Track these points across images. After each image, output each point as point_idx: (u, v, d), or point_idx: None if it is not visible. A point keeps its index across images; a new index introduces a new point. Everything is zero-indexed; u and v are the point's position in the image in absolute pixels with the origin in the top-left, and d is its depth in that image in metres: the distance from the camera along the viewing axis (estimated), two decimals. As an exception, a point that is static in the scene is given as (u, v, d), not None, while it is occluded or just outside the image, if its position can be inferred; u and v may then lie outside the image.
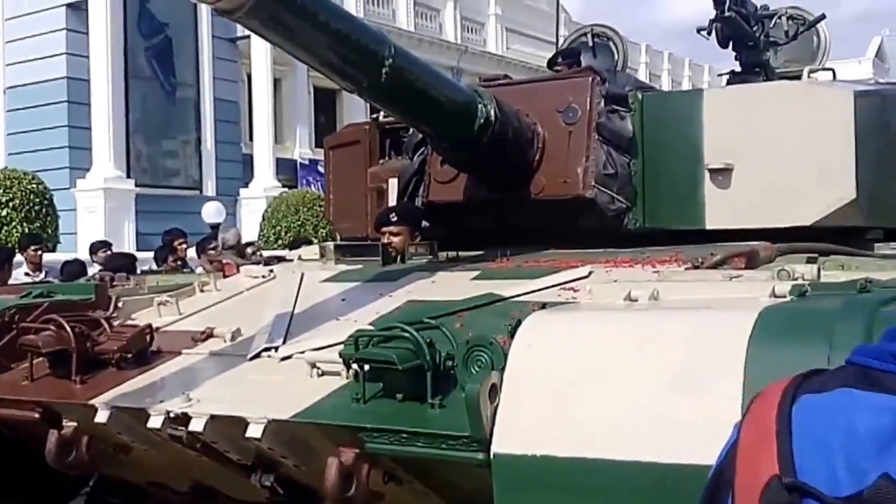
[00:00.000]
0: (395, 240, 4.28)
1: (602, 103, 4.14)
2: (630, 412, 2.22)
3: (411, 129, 4.62)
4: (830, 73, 4.71)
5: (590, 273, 3.43)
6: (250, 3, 2.83)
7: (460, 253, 4.24)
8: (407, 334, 2.66)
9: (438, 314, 3.18)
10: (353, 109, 28.65)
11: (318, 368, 3.02)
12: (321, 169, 26.70)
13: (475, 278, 3.68)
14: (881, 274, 3.10)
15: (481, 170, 4.18)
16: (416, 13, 31.01)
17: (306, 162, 26.33)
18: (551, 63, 5.34)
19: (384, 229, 4.33)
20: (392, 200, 4.69)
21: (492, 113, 3.80)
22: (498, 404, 2.40)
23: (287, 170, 25.75)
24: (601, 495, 2.22)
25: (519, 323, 2.53)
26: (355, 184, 5.03)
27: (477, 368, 2.63)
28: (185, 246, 9.16)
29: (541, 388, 2.36)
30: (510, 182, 4.21)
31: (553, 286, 3.36)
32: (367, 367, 2.73)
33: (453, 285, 3.62)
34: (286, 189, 22.01)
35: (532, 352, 2.42)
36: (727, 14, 4.62)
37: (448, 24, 33.15)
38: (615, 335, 2.37)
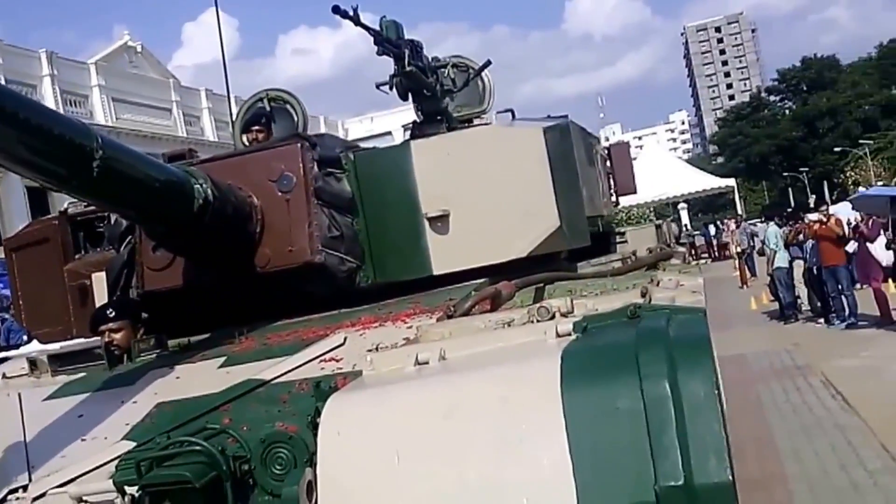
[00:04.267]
0: (118, 336, 3.95)
1: (315, 168, 4.12)
2: (457, 484, 2.19)
3: (114, 219, 4.31)
4: (510, 114, 5.05)
5: (345, 339, 3.39)
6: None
7: (191, 339, 4.01)
8: (198, 447, 2.47)
9: (199, 412, 2.99)
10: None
11: (86, 502, 2.71)
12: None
13: (223, 365, 3.49)
14: (604, 296, 3.38)
15: (202, 250, 3.98)
16: (8, 92, 29.06)
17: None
18: (245, 131, 5.22)
19: (103, 328, 3.98)
20: (99, 297, 4.33)
21: (209, 192, 3.66)
22: (316, 500, 2.30)
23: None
24: None
25: (318, 411, 2.43)
26: (50, 284, 4.59)
27: (278, 467, 2.52)
28: None
29: (359, 476, 2.27)
30: (233, 259, 4.05)
31: (312, 360, 3.28)
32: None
33: (201, 377, 3.40)
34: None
35: (342, 440, 2.33)
36: (408, 69, 4.77)
37: (48, 100, 31.54)
38: (424, 407, 2.34)
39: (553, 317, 2.90)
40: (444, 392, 2.35)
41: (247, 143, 5.07)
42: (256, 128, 5.12)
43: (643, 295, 3.11)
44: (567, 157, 4.52)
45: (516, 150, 4.31)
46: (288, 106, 5.67)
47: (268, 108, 5.65)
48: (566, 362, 2.26)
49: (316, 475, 2.31)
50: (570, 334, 2.57)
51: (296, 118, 5.63)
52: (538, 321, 2.90)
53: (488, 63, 5.56)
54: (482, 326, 3.05)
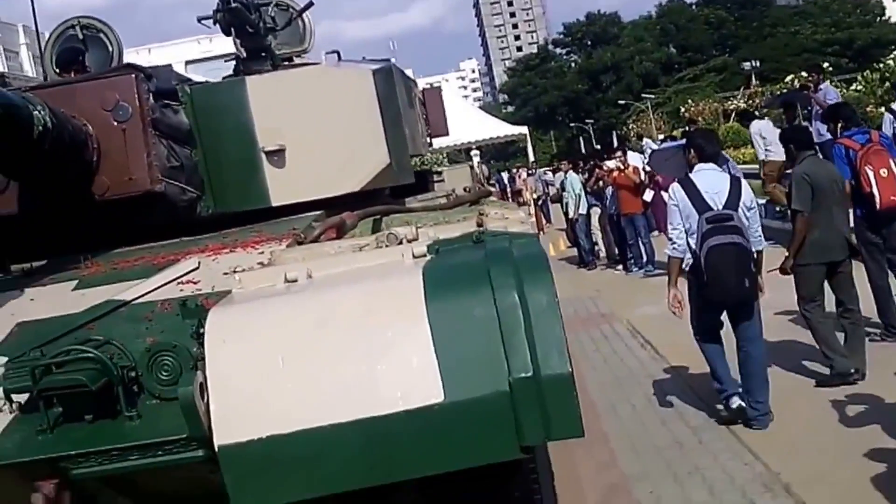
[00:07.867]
0: (-48, 263, 3.92)
1: (151, 99, 4.21)
2: (337, 381, 2.50)
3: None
4: (336, 55, 5.30)
5: (199, 264, 3.57)
6: None
7: (33, 265, 4.04)
8: (90, 354, 2.64)
9: (64, 331, 3.08)
10: None
11: (-36, 412, 2.80)
12: None
13: (77, 288, 3.57)
14: (440, 226, 3.76)
15: (39, 178, 4.00)
16: None
17: None
18: (62, 69, 5.14)
19: None
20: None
21: (48, 119, 3.68)
22: (208, 401, 2.54)
23: None
24: (328, 459, 2.46)
25: (201, 323, 2.66)
26: None
27: (164, 373, 2.72)
28: None
29: (246, 377, 2.53)
30: (71, 186, 4.09)
31: (170, 282, 3.43)
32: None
33: (57, 299, 3.46)
34: None
35: (228, 346, 2.57)
36: (233, 5, 4.89)
37: None
38: (299, 317, 2.62)
39: (401, 243, 3.25)
40: (316, 306, 2.64)
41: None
42: (75, 67, 5.07)
43: (479, 225, 3.51)
44: (392, 98, 4.84)
45: (348, 90, 4.58)
46: (101, 35, 5.62)
47: (80, 37, 5.58)
48: (428, 277, 2.62)
49: (206, 378, 2.54)
50: (425, 255, 2.93)
51: (111, 48, 5.59)
52: (387, 246, 3.24)
53: (311, 4, 5.75)
54: (333, 252, 3.35)
